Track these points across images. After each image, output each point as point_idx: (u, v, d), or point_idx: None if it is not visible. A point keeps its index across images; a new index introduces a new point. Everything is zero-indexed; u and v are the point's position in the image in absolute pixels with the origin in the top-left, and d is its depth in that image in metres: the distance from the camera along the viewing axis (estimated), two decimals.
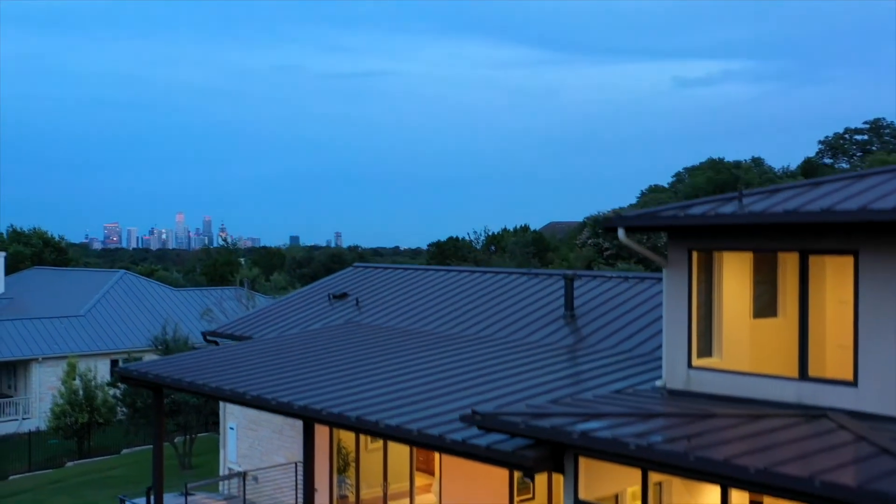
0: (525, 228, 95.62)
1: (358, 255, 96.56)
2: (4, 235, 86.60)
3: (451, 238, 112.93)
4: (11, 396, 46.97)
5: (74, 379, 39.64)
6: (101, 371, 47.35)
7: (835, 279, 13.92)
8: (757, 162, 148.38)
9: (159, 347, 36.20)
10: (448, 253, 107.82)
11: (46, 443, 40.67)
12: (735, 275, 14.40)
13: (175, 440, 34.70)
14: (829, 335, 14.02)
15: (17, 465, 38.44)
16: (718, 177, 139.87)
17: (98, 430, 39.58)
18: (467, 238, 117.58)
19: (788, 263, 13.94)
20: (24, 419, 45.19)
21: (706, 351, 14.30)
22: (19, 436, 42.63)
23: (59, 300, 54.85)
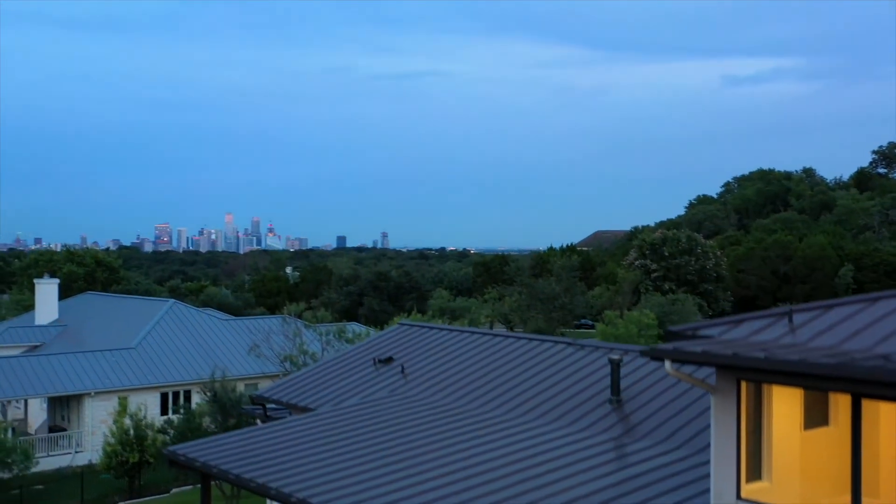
0: (571, 249, 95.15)
1: (405, 274, 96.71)
2: (54, 253, 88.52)
3: (497, 255, 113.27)
4: (65, 429, 47.89)
5: (125, 418, 40.29)
6: (151, 405, 48.19)
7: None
8: (808, 173, 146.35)
9: (207, 393, 36.56)
10: (494, 270, 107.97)
11: (98, 478, 41.41)
12: (785, 396, 14.13)
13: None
14: (883, 453, 13.71)
15: (69, 501, 39.19)
16: (768, 188, 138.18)
17: (148, 468, 40.19)
18: (513, 254, 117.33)
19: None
20: (77, 452, 46.06)
21: (755, 472, 14.05)
22: (73, 469, 43.50)
23: (110, 330, 55.83)
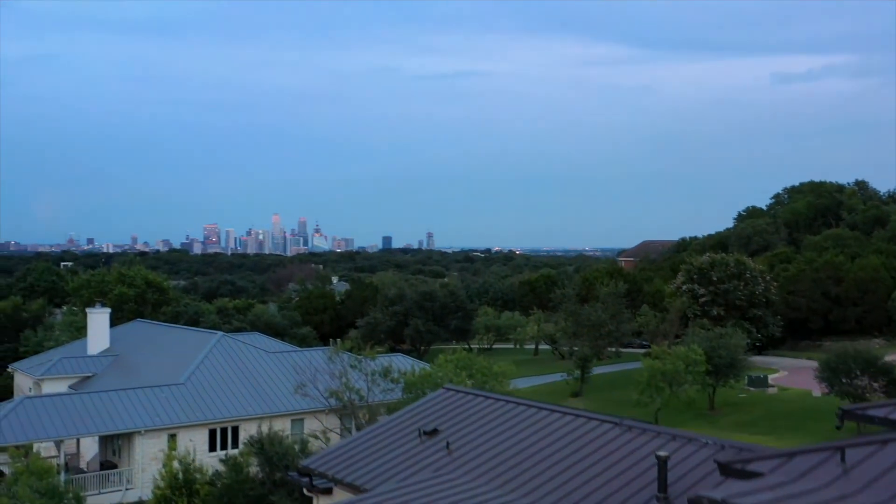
0: (618, 270, 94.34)
1: (450, 294, 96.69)
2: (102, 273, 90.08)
3: (542, 275, 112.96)
4: (116, 465, 48.70)
5: (174, 462, 40.79)
6: (200, 441, 48.80)
7: None
8: (861, 185, 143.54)
9: (254, 446, 36.89)
10: (539, 290, 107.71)
11: None
12: None
13: None
14: None
15: None
16: (819, 201, 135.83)
17: None
18: (559, 255, 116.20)
19: None
20: (127, 489, 46.82)
21: None
22: None
23: (159, 361, 56.68)
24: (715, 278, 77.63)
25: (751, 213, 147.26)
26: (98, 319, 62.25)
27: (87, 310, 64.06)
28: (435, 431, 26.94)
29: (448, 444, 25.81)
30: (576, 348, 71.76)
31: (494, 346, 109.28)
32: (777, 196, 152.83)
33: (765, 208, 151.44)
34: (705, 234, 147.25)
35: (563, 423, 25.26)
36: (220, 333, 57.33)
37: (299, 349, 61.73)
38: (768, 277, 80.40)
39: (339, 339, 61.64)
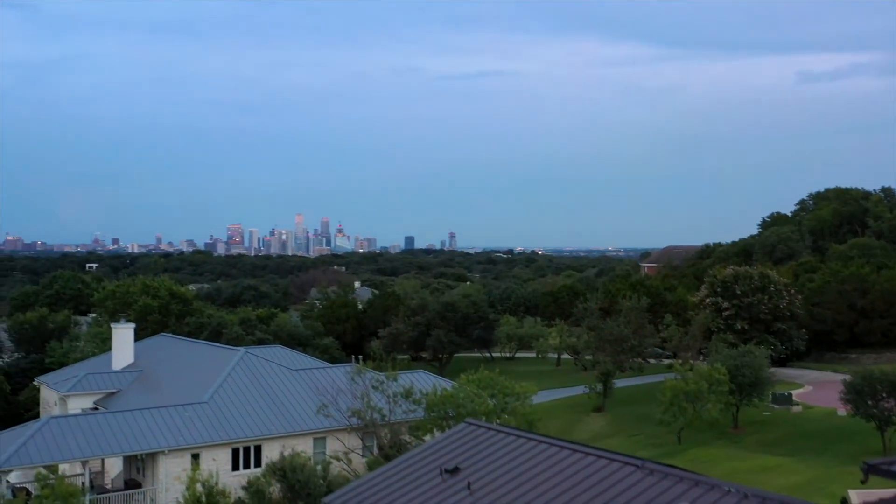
0: (640, 282, 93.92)
1: (472, 304, 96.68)
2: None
3: (564, 286, 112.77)
4: (140, 483, 49.07)
5: (197, 484, 41.02)
6: (223, 461, 49.08)
7: None
8: (887, 192, 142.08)
9: (277, 473, 37.08)
10: (562, 302, 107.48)
11: None
12: None
13: None
14: None
15: None
16: (844, 209, 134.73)
17: None
18: (581, 281, 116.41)
19: None
20: None
21: None
22: None
23: (183, 378, 57.09)
24: (739, 291, 77.11)
25: (775, 220, 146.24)
26: (122, 335, 62.79)
27: (112, 325, 64.61)
28: (456, 469, 26.93)
29: (469, 484, 25.82)
30: (598, 362, 71.59)
31: (517, 355, 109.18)
32: (802, 202, 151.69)
33: (789, 215, 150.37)
34: (729, 241, 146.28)
35: (586, 465, 25.18)
36: (242, 350, 57.60)
37: (322, 366, 61.90)
38: (793, 291, 79.71)
39: (360, 357, 61.87)
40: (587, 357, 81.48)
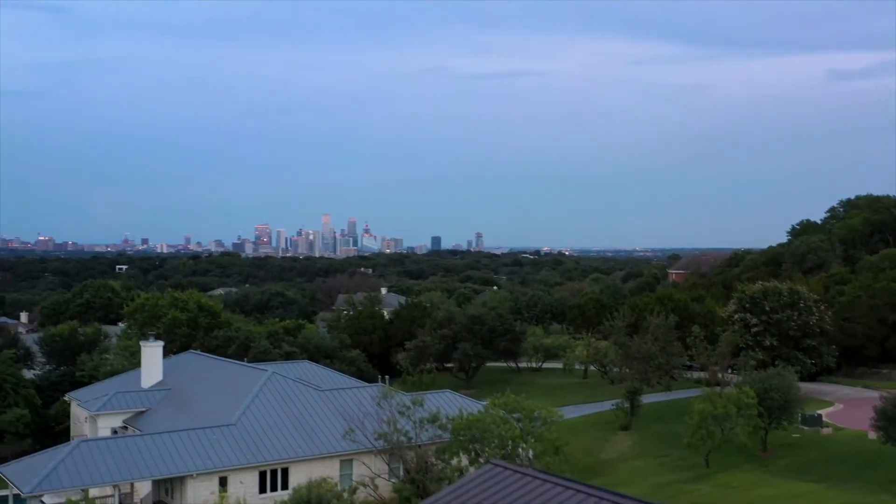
0: (668, 296, 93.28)
1: (498, 317, 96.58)
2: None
3: (592, 298, 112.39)
4: None
5: None
6: (250, 483, 49.38)
7: None
8: None
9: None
10: (588, 314, 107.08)
11: None
12: None
13: None
14: None
15: None
16: (875, 217, 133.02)
17: None
18: (608, 290, 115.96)
19: None
20: None
21: None
22: None
23: (211, 397, 57.51)
24: (768, 307, 76.44)
25: (805, 228, 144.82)
26: (151, 353, 63.35)
27: (142, 343, 65.19)
28: None
29: None
30: (625, 378, 71.31)
31: (544, 366, 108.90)
32: (832, 210, 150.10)
33: (819, 222, 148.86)
34: (758, 243, 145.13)
35: None
36: (269, 371, 57.86)
37: (348, 384, 62.11)
38: (823, 307, 78.87)
39: (387, 376, 62.02)
40: (615, 369, 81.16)
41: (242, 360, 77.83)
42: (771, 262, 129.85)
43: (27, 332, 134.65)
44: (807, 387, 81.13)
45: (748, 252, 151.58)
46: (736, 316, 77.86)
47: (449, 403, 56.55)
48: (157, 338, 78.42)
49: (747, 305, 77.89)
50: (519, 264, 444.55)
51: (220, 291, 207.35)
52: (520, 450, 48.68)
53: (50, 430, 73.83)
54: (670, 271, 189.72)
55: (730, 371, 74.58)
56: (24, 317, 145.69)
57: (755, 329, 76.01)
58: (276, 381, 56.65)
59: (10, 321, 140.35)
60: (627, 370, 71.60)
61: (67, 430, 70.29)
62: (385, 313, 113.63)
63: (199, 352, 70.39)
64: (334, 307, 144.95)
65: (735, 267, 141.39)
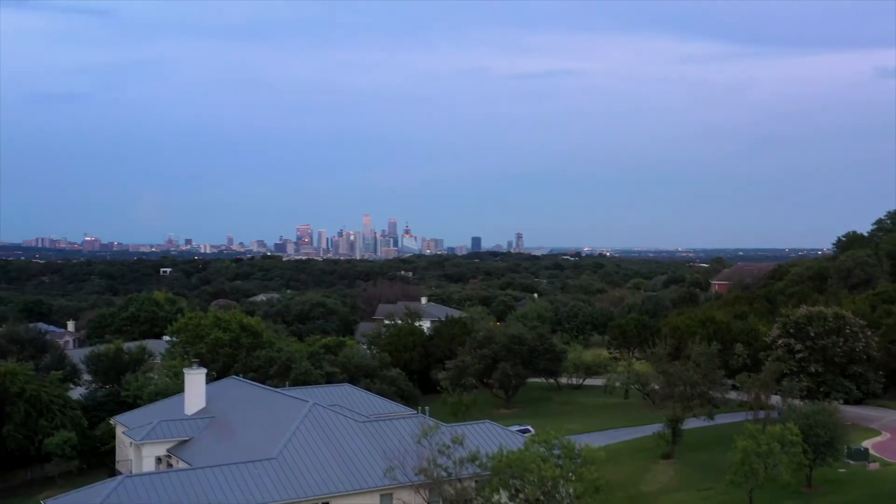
0: (710, 318, 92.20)
1: (538, 337, 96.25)
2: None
3: (633, 318, 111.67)
4: None
5: None
6: None
7: None
8: None
9: None
10: (629, 335, 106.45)
11: None
12: None
13: None
14: None
15: None
16: None
17: None
18: (650, 321, 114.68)
19: None
20: None
21: None
22: None
23: (252, 428, 57.98)
24: (812, 333, 75.31)
25: (851, 241, 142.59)
26: (195, 380, 64.08)
27: (185, 370, 65.94)
28: None
29: None
30: (666, 406, 70.74)
31: (584, 384, 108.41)
32: (879, 222, 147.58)
33: (866, 235, 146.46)
34: (802, 250, 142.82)
35: None
36: (310, 402, 58.14)
37: (389, 412, 62.28)
38: (869, 332, 77.51)
39: (426, 409, 62.00)
40: (655, 387, 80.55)
41: (284, 382, 78.55)
42: (816, 276, 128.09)
43: (74, 341, 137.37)
44: (852, 412, 79.90)
45: (793, 261, 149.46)
46: (780, 341, 76.80)
47: (488, 438, 56.43)
48: (200, 357, 79.47)
49: (791, 330, 76.80)
50: (559, 267, 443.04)
51: (261, 297, 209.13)
52: (560, 488, 48.45)
53: (95, 450, 75.05)
54: (713, 282, 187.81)
55: (776, 391, 73.59)
56: (70, 325, 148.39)
57: (800, 355, 74.93)
58: (317, 412, 56.90)
59: (56, 329, 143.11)
60: (669, 400, 70.96)
61: (113, 450, 71.37)
62: (425, 328, 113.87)
63: (240, 377, 71.01)
64: (375, 317, 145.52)
65: (779, 280, 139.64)
